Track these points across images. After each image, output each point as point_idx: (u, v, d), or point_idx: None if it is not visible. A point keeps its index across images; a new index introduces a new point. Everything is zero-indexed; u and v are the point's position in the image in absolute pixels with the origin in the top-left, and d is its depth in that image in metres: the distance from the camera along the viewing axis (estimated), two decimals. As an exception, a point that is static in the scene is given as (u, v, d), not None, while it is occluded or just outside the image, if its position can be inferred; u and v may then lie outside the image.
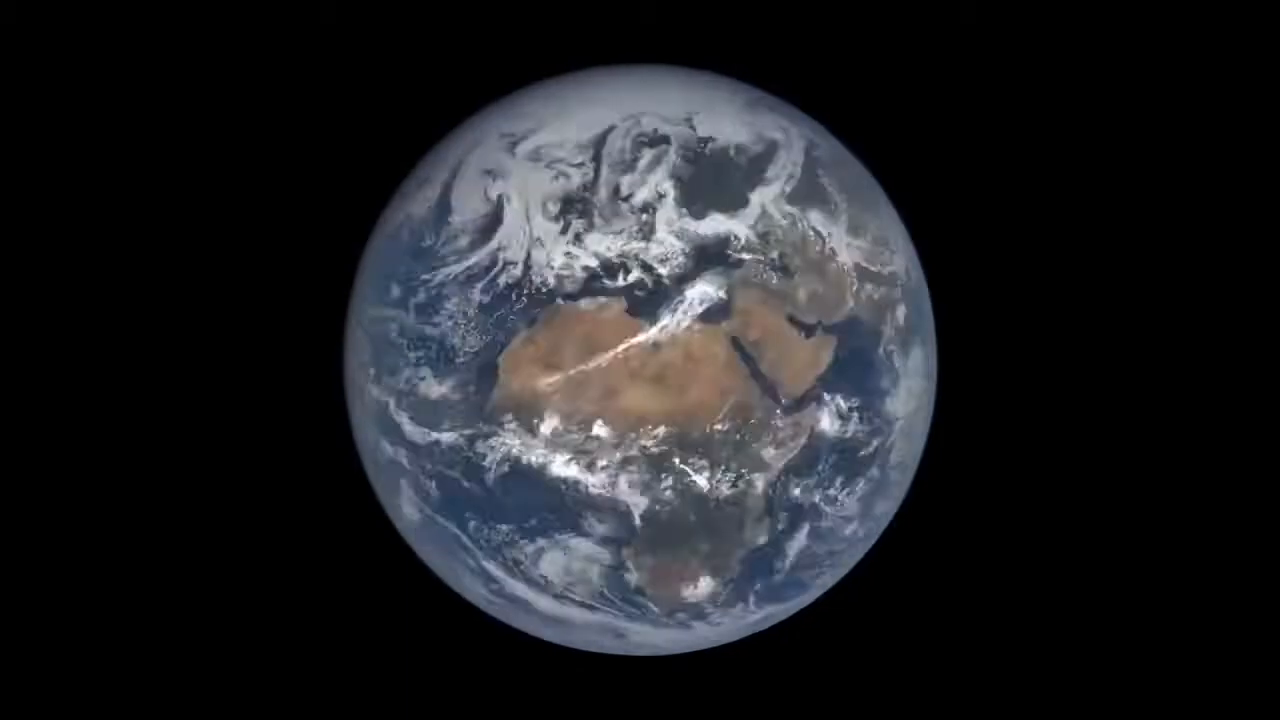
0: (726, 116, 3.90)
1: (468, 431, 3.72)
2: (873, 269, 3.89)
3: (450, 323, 3.74)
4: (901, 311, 3.98)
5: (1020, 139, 4.87)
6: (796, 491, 3.79)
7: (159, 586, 4.84)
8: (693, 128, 3.80)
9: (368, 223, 4.33)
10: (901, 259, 4.08)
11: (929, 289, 4.30)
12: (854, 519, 4.00)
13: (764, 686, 4.85)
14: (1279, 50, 4.73)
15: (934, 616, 4.92)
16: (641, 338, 3.58)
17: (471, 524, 3.85)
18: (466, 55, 4.80)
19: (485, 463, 3.72)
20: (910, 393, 4.01)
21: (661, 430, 3.61)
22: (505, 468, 3.70)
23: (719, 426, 3.63)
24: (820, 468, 3.80)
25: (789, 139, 3.93)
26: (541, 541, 3.79)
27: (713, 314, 3.62)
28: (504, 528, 3.81)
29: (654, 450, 3.62)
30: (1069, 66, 4.83)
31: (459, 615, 4.42)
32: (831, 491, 3.86)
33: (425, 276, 3.81)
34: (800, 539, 3.88)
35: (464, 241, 3.78)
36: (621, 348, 3.59)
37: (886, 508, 4.20)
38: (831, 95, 4.51)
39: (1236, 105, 4.79)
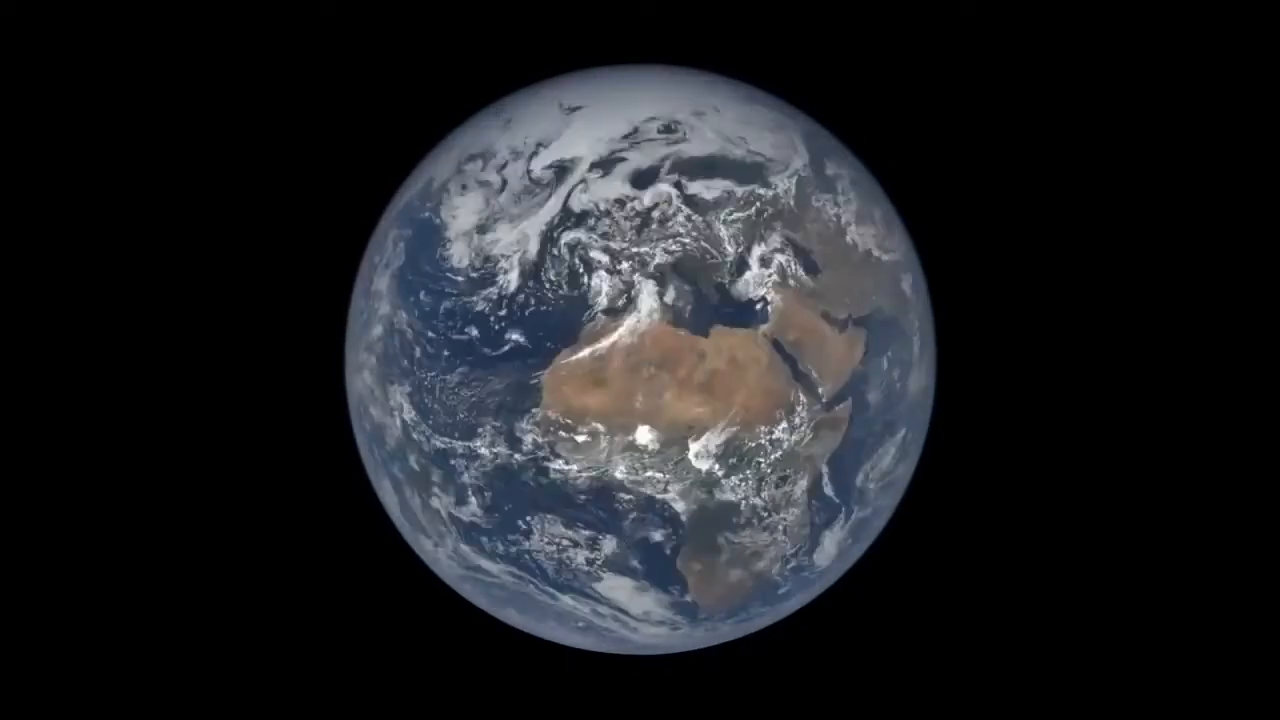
0: (727, 115, 3.92)
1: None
2: (885, 257, 3.94)
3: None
4: (911, 291, 4.06)
5: (1020, 138, 4.87)
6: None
7: (159, 586, 4.85)
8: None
9: (368, 222, 4.34)
10: (901, 242, 4.13)
11: (929, 289, 4.31)
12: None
13: (762, 686, 4.86)
14: (1279, 50, 4.74)
15: (933, 616, 4.93)
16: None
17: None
18: (466, 55, 4.81)
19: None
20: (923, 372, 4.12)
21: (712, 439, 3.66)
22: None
23: (767, 431, 3.68)
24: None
25: (790, 137, 3.95)
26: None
27: (750, 317, 3.65)
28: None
29: (700, 460, 3.66)
30: (1069, 66, 4.83)
31: (458, 614, 4.44)
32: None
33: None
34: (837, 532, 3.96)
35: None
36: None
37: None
38: (831, 95, 4.52)
39: (1237, 105, 4.79)
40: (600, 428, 3.63)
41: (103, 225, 4.80)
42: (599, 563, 3.81)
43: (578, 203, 3.69)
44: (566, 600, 3.93)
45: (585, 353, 3.62)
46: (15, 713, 4.75)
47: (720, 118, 3.87)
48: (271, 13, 4.78)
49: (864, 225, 3.89)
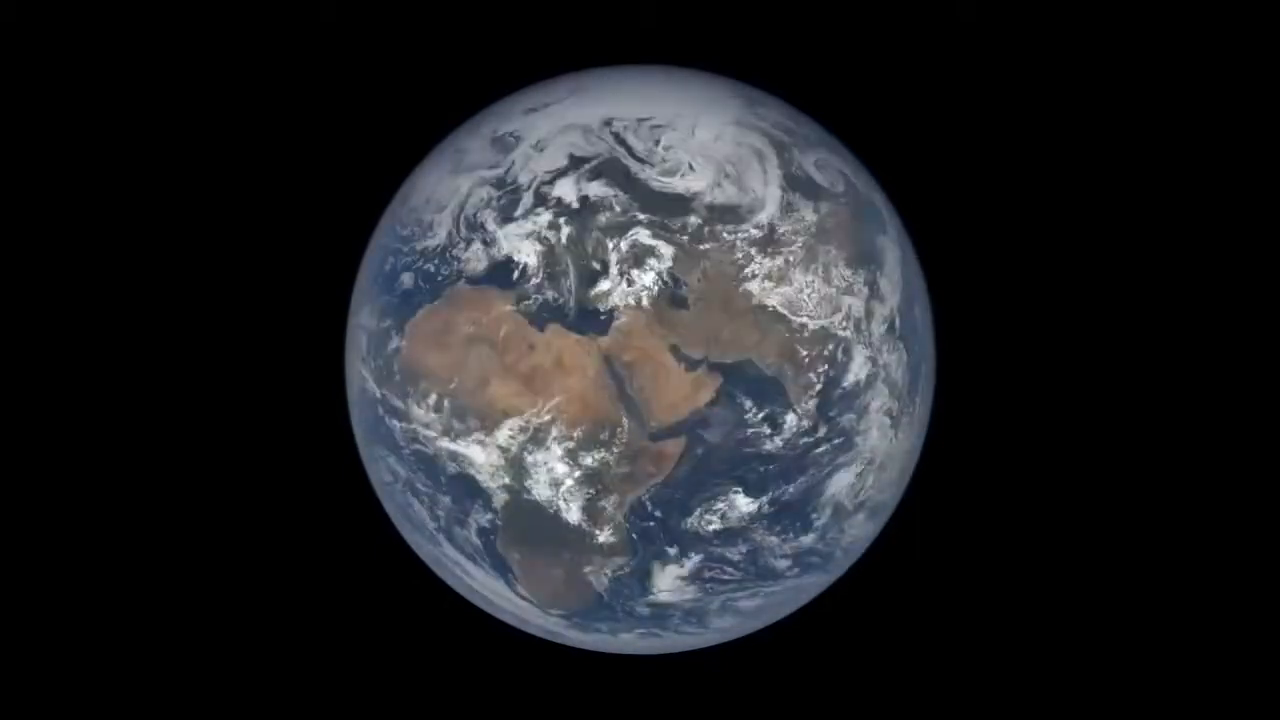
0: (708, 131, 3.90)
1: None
2: (794, 318, 3.78)
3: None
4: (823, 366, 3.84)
5: (1020, 139, 4.87)
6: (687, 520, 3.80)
7: (159, 586, 4.85)
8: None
9: (368, 222, 4.35)
10: (853, 312, 3.91)
11: (928, 289, 4.32)
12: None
13: (762, 687, 4.86)
14: (1279, 50, 4.74)
15: (933, 617, 4.93)
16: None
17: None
18: (465, 55, 4.81)
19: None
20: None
21: (520, 426, 3.71)
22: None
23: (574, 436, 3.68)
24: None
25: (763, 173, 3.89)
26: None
27: (593, 326, 3.65)
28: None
29: (512, 446, 3.72)
30: (1069, 66, 4.84)
31: (457, 613, 4.45)
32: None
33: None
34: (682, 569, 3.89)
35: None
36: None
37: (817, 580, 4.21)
38: (831, 95, 4.53)
39: (1236, 105, 4.80)
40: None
41: (103, 224, 4.81)
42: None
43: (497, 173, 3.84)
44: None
45: (440, 314, 3.79)
46: (15, 713, 4.75)
47: (695, 141, 3.84)
48: (271, 13, 4.81)
49: (784, 282, 3.74)
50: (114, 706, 4.80)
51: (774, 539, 3.87)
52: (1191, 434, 4.87)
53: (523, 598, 3.99)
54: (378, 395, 3.93)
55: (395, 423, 3.89)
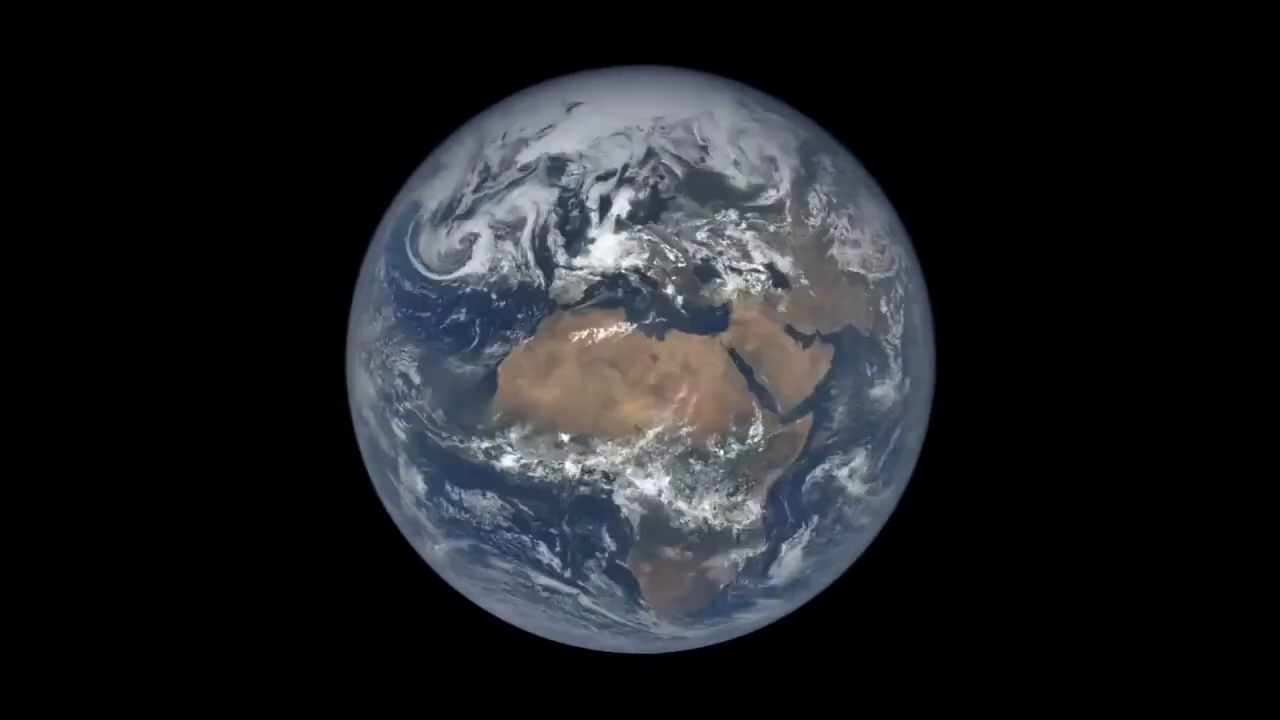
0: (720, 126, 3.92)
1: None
2: (870, 275, 3.91)
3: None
4: (899, 314, 4.00)
5: (1019, 139, 4.87)
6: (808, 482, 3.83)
7: (159, 586, 4.85)
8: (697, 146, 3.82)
9: (367, 223, 4.34)
10: (898, 259, 4.09)
11: (928, 289, 4.31)
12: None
13: (761, 686, 4.86)
14: (1279, 50, 4.74)
15: (933, 617, 4.93)
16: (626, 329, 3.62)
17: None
18: (465, 55, 4.81)
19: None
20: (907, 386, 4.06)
21: (658, 437, 3.65)
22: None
23: (717, 444, 3.66)
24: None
25: (785, 147, 3.94)
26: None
27: (710, 325, 3.64)
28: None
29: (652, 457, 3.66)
30: (1069, 66, 4.84)
31: (458, 614, 4.44)
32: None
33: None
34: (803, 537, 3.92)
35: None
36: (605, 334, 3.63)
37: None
38: (831, 95, 4.53)
39: (1237, 105, 4.79)
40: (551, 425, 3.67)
41: (103, 224, 4.81)
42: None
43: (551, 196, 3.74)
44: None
45: (542, 347, 3.65)
46: (15, 713, 4.75)
47: (714, 126, 3.86)
48: (272, 13, 4.80)
49: (849, 245, 3.86)
50: (113, 706, 4.81)
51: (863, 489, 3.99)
52: (1192, 434, 4.87)
53: (643, 607, 3.95)
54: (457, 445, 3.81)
55: (493, 463, 3.76)
